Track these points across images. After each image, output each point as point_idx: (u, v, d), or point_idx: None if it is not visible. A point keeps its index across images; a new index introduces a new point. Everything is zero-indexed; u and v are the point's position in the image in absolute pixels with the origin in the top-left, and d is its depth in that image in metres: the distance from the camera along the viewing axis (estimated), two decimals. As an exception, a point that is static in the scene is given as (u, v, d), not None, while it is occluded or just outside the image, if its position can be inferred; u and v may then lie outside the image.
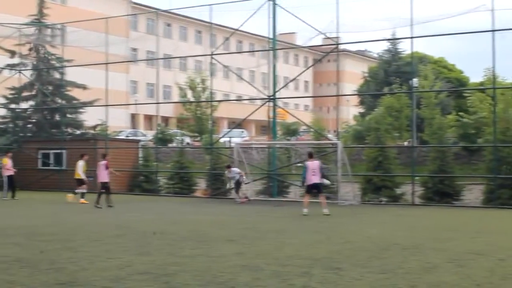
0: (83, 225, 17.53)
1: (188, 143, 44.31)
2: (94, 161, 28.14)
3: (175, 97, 61.97)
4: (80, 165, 26.80)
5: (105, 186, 24.46)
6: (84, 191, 26.43)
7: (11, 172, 28.80)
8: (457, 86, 53.87)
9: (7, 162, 28.91)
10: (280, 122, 33.41)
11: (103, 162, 24.85)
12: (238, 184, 27.74)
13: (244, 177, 27.82)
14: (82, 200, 25.99)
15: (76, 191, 26.64)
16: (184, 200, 29.24)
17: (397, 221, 20.13)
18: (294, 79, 44.03)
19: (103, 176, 24.56)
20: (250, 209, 24.14)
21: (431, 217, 21.90)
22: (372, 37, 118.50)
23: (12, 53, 40.02)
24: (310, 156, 22.12)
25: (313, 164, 21.26)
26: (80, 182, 26.61)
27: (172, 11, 63.60)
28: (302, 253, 12.17)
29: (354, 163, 29.98)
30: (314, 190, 21.40)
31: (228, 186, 29.74)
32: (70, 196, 26.48)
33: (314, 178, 21.07)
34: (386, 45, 61.36)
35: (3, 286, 8.98)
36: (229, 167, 28.33)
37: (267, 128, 33.90)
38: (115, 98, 51.97)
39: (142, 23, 71.99)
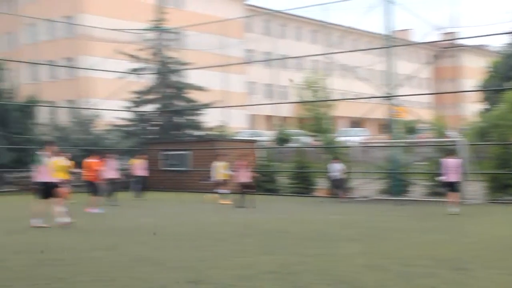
0: (209, 224, 17.91)
1: (307, 143, 44.28)
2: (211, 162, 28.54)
3: (293, 97, 62.23)
4: (217, 166, 27.32)
5: (244, 186, 24.78)
6: (225, 191, 26.80)
7: (143, 173, 29.79)
8: None
9: (136, 163, 29.87)
10: (399, 120, 32.88)
11: (242, 162, 25.24)
12: (338, 181, 27.62)
13: (342, 175, 27.70)
14: (224, 201, 26.19)
15: (219, 191, 27.04)
16: (305, 199, 29.30)
17: (526, 221, 19.43)
18: (411, 76, 43.41)
19: (242, 176, 24.82)
20: (372, 208, 23.94)
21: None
22: (492, 31, 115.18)
23: (134, 58, 41.43)
24: (450, 153, 21.88)
25: (452, 162, 21.04)
26: (219, 183, 27.11)
27: (286, 11, 63.93)
28: (427, 253, 11.95)
29: (480, 160, 29.08)
30: (449, 187, 21.16)
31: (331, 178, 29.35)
32: (214, 197, 26.64)
33: (451, 176, 20.88)
34: (507, 39, 59.33)
35: (135, 284, 9.30)
36: (336, 159, 28.29)
37: (387, 126, 33.46)
38: (233, 99, 52.83)
39: (257, 24, 72.70)
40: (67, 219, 16.90)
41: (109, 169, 25.01)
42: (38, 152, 17.14)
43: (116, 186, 25.93)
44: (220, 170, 27.12)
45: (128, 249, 12.81)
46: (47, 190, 16.66)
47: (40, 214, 16.69)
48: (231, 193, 26.39)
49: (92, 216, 20.28)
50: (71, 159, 22.66)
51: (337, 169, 27.95)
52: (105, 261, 11.22)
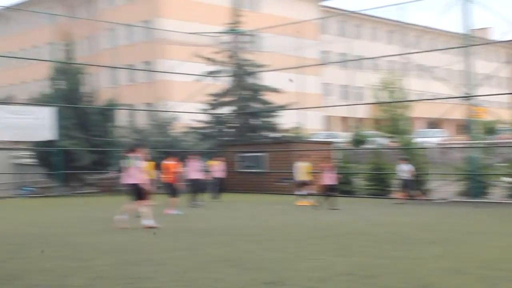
0: (284, 226, 17.95)
1: (384, 144, 43.88)
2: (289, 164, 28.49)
3: (369, 98, 61.78)
4: (299, 167, 27.32)
5: (328, 188, 24.73)
6: (304, 192, 26.79)
7: (221, 175, 30.08)
8: None
9: (214, 164, 30.17)
10: (478, 121, 32.21)
11: (327, 164, 25.20)
12: (407, 182, 27.24)
13: (410, 177, 27.30)
14: (302, 202, 26.10)
15: (298, 193, 27.07)
16: (381, 201, 29.03)
17: None
18: (490, 76, 42.64)
19: (327, 178, 24.75)
20: (451, 210, 23.54)
21: None
22: None
23: (211, 61, 41.87)
24: None
25: None
26: (302, 183, 27.04)
27: (362, 12, 63.48)
28: (510, 257, 11.68)
29: None
30: None
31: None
32: (303, 202, 26.51)
33: None
34: None
35: (214, 284, 9.40)
36: (404, 159, 27.89)
37: (466, 127, 32.83)
38: (308, 100, 52.73)
39: (332, 25, 72.43)
40: (153, 222, 17.04)
41: (192, 170, 25.31)
42: (127, 154, 17.41)
43: (199, 186, 26.20)
44: (302, 170, 27.07)
45: (206, 250, 12.94)
46: (138, 192, 16.94)
47: (126, 215, 17.01)
48: (312, 194, 26.33)
49: (171, 217, 20.56)
50: (150, 161, 23.04)
51: (405, 169, 27.56)
52: (184, 262, 11.36)
